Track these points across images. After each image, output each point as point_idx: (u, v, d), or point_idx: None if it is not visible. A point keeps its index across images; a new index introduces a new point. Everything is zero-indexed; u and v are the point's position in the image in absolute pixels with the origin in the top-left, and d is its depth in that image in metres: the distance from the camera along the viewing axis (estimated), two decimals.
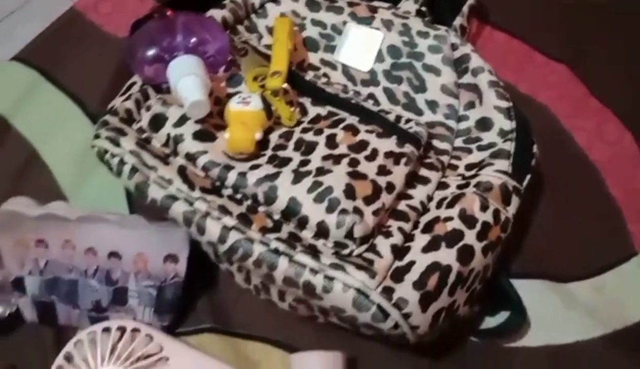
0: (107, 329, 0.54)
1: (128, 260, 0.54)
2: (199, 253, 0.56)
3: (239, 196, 0.50)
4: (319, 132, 0.53)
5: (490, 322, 0.58)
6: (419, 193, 0.52)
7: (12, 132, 0.67)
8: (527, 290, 0.58)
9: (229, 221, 0.48)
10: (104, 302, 0.55)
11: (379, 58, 0.60)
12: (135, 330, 0.54)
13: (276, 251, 0.47)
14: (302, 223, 0.48)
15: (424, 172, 0.55)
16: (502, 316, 0.58)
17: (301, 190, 0.48)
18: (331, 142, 0.52)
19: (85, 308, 0.55)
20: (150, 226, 0.54)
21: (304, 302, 0.53)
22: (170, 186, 0.49)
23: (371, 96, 0.60)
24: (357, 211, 0.47)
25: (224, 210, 0.48)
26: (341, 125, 0.54)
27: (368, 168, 0.50)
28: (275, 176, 0.49)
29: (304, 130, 0.53)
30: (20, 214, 0.53)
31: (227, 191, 0.50)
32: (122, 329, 0.54)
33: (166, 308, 0.55)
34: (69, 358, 0.53)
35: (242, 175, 0.49)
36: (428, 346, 0.55)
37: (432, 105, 0.59)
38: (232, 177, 0.49)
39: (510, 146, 0.55)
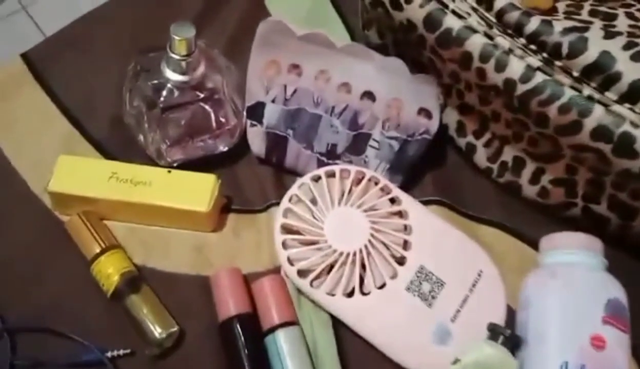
0: (345, 172, 0.50)
1: (381, 104, 0.51)
2: None
3: (533, 46, 0.46)
4: (612, 8, 0.49)
5: None
6: None
7: None
8: None
9: (534, 61, 0.44)
10: (339, 147, 0.51)
11: None
12: (372, 180, 0.50)
13: (590, 98, 0.42)
14: (610, 81, 0.43)
15: None
16: None
17: (615, 46, 0.43)
18: (630, 16, 0.47)
19: (318, 150, 0.52)
20: (409, 74, 0.51)
21: (566, 183, 0.48)
22: (470, 18, 0.46)
23: None
24: None
25: (526, 51, 0.45)
26: (634, 8, 0.49)
27: None
28: (584, 29, 0.45)
29: (593, 5, 0.49)
30: (287, 27, 0.50)
31: (521, 41, 0.46)
32: (360, 177, 0.50)
33: (402, 166, 0.51)
34: (305, 190, 0.49)
35: (547, 22, 0.45)
36: None
37: None
38: (534, 23, 0.45)
39: None
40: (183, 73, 0.48)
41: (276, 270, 0.50)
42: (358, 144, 0.51)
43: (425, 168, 0.54)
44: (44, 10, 1.34)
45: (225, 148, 0.54)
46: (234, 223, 0.52)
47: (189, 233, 0.51)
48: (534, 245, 0.52)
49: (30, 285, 0.49)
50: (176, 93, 0.49)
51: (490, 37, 0.45)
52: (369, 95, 0.51)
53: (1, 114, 0.56)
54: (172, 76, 0.48)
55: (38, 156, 0.53)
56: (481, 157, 0.52)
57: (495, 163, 0.52)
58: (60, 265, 0.49)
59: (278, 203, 0.51)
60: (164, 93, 0.49)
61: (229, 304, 0.46)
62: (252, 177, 0.54)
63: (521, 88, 0.44)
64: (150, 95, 0.49)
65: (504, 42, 0.45)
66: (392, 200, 0.50)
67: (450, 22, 0.46)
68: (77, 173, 0.50)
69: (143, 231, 0.51)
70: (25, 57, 0.58)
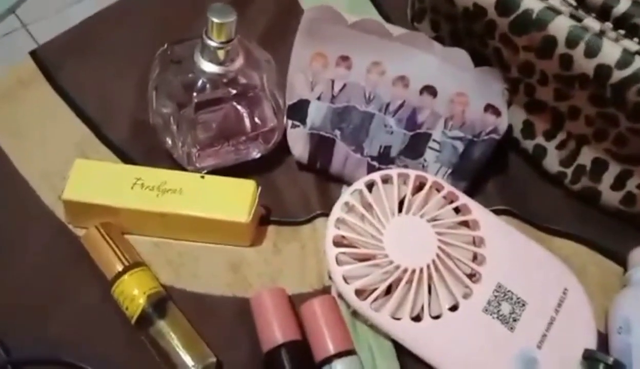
0: (403, 177, 0.44)
1: (444, 99, 0.45)
2: None
3: (622, 31, 0.40)
4: None
5: None
6: None
7: None
8: None
9: (631, 45, 0.38)
10: (394, 150, 0.45)
11: None
12: (434, 186, 0.44)
13: None
14: None
15: None
16: None
17: None
18: None
19: (369, 154, 0.45)
20: (473, 66, 0.45)
21: None
22: None
23: None
24: None
25: (620, 34, 0.39)
26: None
27: None
28: None
29: None
30: (337, 14, 0.44)
31: (607, 24, 0.41)
32: (420, 182, 0.44)
33: (467, 170, 0.45)
34: (357, 198, 0.43)
35: (639, 3, 0.40)
36: None
37: None
38: (624, 4, 0.40)
39: None
40: (220, 63, 0.42)
41: (325, 291, 0.43)
42: (416, 146, 0.45)
43: (487, 173, 0.49)
44: (44, 29, 1.29)
45: (259, 155, 0.48)
46: (274, 236, 0.45)
47: (223, 249, 0.45)
48: (616, 258, 0.46)
49: (40, 310, 0.42)
50: (208, 89, 0.44)
51: (578, 19, 0.39)
52: (429, 90, 0.45)
53: (8, 118, 0.49)
54: (207, 67, 0.42)
55: (50, 163, 0.47)
56: (552, 161, 0.47)
57: (570, 167, 0.46)
58: (75, 286, 0.42)
59: (324, 214, 0.45)
60: (197, 87, 0.43)
61: (275, 330, 0.40)
62: (292, 184, 0.48)
63: (618, 75, 0.38)
64: (181, 91, 0.43)
65: (593, 23, 0.39)
66: (457, 210, 0.44)
67: (529, 3, 0.40)
68: (96, 179, 0.43)
69: (170, 247, 0.44)
70: (34, 55, 0.52)
